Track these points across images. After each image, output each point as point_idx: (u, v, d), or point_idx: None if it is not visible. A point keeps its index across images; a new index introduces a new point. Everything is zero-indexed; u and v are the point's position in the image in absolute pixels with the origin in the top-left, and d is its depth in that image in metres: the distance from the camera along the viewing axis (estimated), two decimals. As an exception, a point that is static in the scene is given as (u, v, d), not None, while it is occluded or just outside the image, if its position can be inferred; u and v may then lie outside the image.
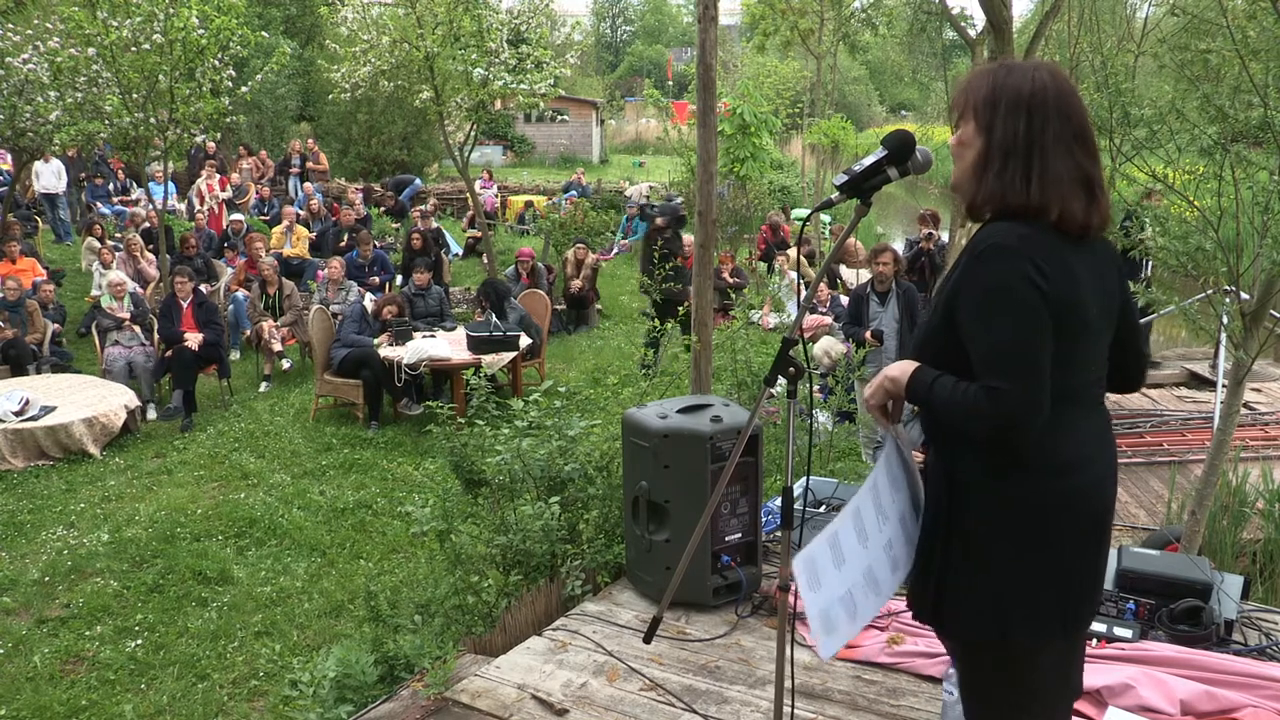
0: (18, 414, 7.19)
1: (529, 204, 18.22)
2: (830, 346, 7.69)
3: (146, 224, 12.65)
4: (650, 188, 19.66)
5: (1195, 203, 4.34)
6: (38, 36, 9.54)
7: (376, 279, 11.10)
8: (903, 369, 1.85)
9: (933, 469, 1.94)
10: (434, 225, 13.67)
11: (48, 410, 7.35)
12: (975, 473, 1.83)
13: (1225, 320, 4.38)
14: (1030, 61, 1.91)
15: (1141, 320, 8.87)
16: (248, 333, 9.90)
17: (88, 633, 4.88)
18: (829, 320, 9.50)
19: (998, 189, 1.79)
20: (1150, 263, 7.63)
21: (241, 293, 10.14)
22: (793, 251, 12.86)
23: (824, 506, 4.03)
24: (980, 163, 1.82)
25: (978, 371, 1.75)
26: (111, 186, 15.50)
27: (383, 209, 16.65)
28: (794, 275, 11.40)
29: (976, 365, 1.75)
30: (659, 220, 10.16)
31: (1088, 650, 3.21)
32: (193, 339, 8.27)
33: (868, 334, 6.53)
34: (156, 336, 8.80)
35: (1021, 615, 1.81)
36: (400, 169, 20.67)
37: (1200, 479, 4.62)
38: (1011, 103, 1.79)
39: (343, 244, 12.53)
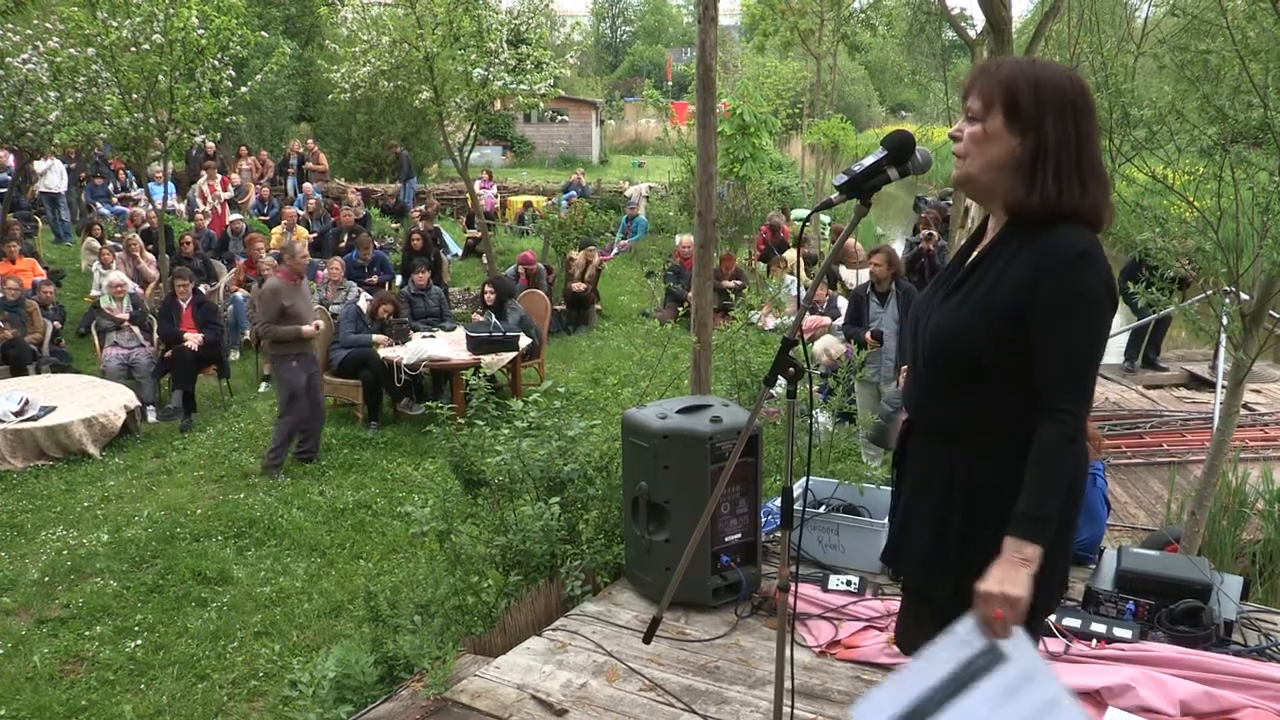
0: (17, 414, 7.19)
1: (528, 204, 18.18)
2: (829, 345, 7.69)
3: (146, 224, 12.65)
4: (650, 188, 19.68)
5: (1195, 203, 4.34)
6: (37, 36, 9.52)
7: (376, 279, 11.11)
8: (1019, 562, 1.73)
9: (947, 464, 1.95)
10: (433, 225, 13.67)
11: (47, 410, 7.34)
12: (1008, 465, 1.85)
13: (1225, 321, 4.39)
14: (1044, 59, 1.91)
15: (1148, 319, 8.79)
16: (247, 333, 9.89)
17: (87, 633, 4.87)
18: (829, 320, 9.48)
19: (1054, 193, 1.79)
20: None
21: (241, 293, 10.14)
22: (791, 254, 12.83)
23: (824, 506, 4.03)
24: (1028, 165, 1.81)
25: (1047, 368, 1.78)
26: (111, 186, 15.49)
27: (382, 208, 16.66)
28: (789, 279, 11.36)
29: (1049, 362, 1.78)
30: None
31: (1088, 651, 3.22)
32: (192, 339, 8.25)
33: (868, 334, 6.53)
34: (156, 337, 8.80)
35: (1056, 587, 1.93)
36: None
37: (1200, 479, 4.62)
38: (1059, 104, 1.80)
39: (343, 244, 12.53)
